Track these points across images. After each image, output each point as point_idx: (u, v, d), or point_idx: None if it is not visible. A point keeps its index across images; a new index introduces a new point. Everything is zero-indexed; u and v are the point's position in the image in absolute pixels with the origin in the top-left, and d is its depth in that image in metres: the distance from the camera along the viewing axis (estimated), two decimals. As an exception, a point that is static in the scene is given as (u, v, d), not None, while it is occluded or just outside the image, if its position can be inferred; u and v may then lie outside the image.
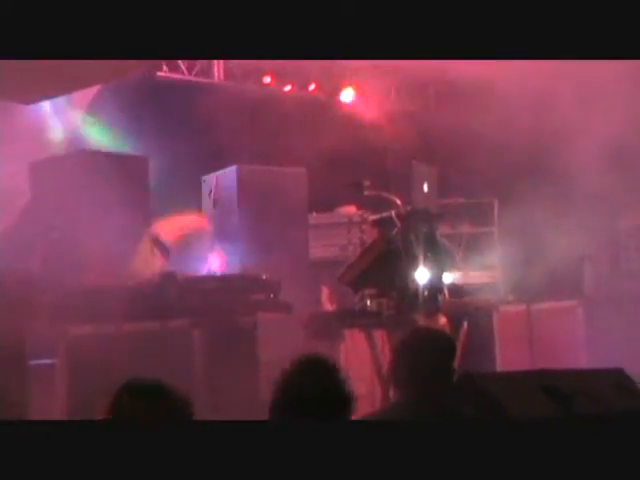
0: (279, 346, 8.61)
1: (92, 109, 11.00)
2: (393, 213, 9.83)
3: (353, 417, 4.60)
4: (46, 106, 10.74)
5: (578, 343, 10.58)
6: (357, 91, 12.91)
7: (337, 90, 12.84)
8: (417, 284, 9.50)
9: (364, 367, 8.90)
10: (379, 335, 9.09)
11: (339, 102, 12.77)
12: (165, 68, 11.43)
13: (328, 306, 10.01)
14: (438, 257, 9.90)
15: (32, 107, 10.43)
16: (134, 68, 9.69)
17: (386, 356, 8.37)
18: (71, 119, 11.02)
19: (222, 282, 9.12)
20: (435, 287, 9.71)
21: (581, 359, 10.25)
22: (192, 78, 11.80)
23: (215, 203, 10.75)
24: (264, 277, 9.15)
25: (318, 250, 10.85)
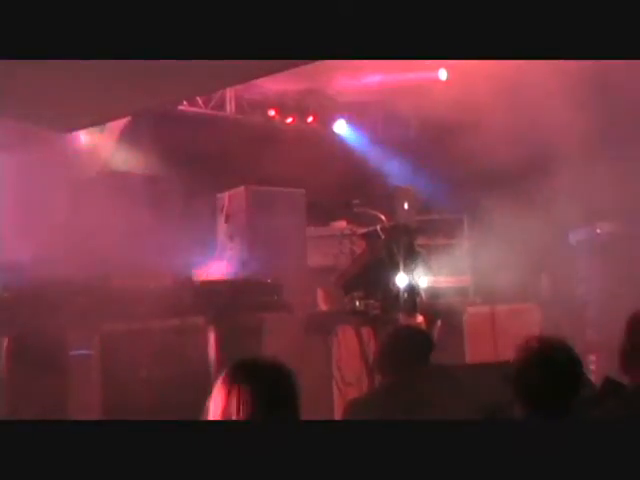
0: (281, 340, 8.68)
1: (123, 137, 11.01)
2: (378, 227, 9.90)
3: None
4: (84, 134, 10.72)
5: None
6: (349, 122, 12.89)
7: (331, 121, 12.83)
8: (398, 288, 9.55)
9: (353, 358, 8.95)
10: (366, 331, 9.13)
11: (333, 132, 12.77)
12: (185, 103, 11.44)
13: (323, 306, 10.04)
14: (416, 265, 9.95)
15: (72, 135, 10.42)
16: (160, 103, 9.69)
17: (372, 349, 8.42)
18: (105, 145, 11.01)
19: (233, 285, 9.13)
20: (414, 290, 9.76)
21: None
22: (208, 111, 11.78)
23: (227, 218, 10.79)
24: (269, 281, 9.17)
25: (315, 258, 10.87)
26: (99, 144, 10.96)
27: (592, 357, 10.55)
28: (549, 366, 4.76)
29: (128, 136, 10.86)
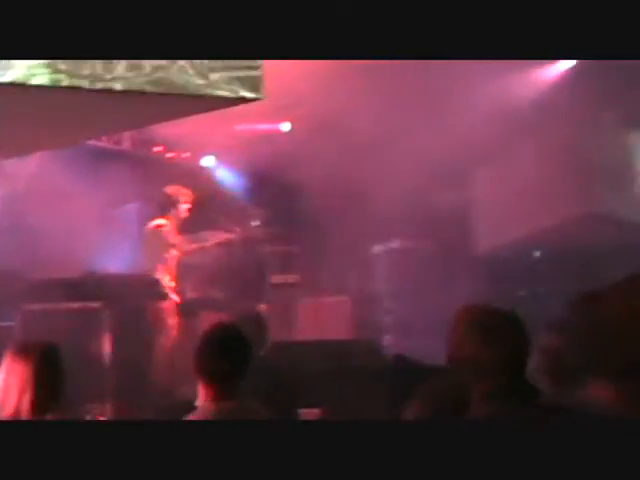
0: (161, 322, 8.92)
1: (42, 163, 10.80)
2: (233, 237, 10.23)
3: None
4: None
5: (346, 324, 10.97)
6: (216, 158, 12.84)
7: (202, 157, 12.81)
8: (247, 282, 9.90)
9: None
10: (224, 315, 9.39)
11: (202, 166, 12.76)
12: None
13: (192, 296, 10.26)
14: (261, 265, 10.33)
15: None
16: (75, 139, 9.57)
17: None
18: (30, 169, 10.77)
19: (124, 278, 9.27)
20: (259, 284, 10.12)
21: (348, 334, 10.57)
22: (109, 145, 11.57)
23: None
24: (152, 276, 9.38)
25: (186, 259, 10.95)
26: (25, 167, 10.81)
27: (387, 337, 11.03)
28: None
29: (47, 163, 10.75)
